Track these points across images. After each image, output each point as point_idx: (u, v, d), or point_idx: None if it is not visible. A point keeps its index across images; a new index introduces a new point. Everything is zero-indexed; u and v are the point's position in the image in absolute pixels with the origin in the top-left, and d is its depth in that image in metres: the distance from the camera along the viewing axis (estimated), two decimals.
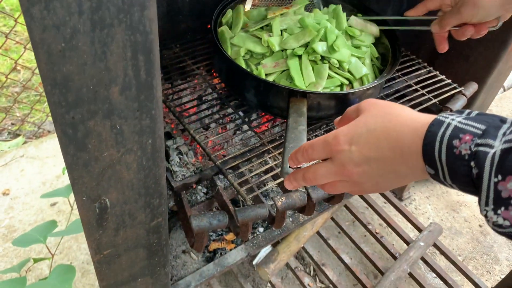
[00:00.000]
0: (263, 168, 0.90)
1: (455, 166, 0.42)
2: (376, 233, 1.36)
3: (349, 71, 0.94)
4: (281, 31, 0.97)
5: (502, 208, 0.38)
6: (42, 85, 0.44)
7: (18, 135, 1.71)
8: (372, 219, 1.48)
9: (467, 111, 0.45)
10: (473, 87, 1.18)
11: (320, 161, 0.55)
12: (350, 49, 0.95)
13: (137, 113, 0.53)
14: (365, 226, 1.38)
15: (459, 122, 0.43)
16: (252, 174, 0.88)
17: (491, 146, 0.39)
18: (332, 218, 1.38)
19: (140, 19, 0.45)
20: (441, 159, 0.42)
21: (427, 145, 0.43)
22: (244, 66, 0.96)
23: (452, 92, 1.13)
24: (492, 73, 1.20)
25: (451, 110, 1.10)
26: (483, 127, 0.41)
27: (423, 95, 1.09)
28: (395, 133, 0.47)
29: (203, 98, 1.07)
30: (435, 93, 1.10)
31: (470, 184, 0.41)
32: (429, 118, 0.45)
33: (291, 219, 1.06)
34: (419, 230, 1.38)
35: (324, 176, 0.53)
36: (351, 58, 0.94)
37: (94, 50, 0.44)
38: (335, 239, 1.41)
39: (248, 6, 1.07)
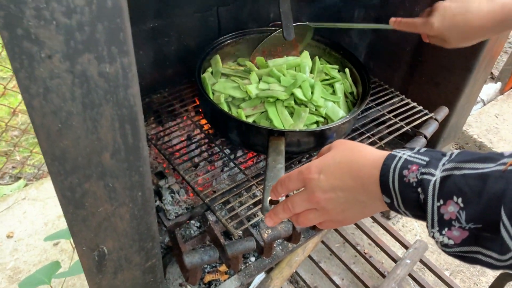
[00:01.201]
0: (252, 201, 0.97)
1: (405, 193, 0.49)
2: (365, 253, 1.42)
3: (326, 115, 1.02)
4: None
5: (446, 229, 0.44)
6: (43, 158, 0.51)
7: (19, 178, 1.78)
8: (361, 240, 1.54)
9: (418, 148, 0.53)
10: (444, 111, 1.26)
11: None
12: (325, 95, 1.03)
13: (127, 171, 0.60)
14: (354, 247, 1.44)
15: (409, 155, 0.50)
16: (242, 207, 0.95)
17: (432, 175, 0.46)
18: (323, 242, 1.45)
19: (125, 96, 0.52)
20: (394, 188, 0.50)
21: (383, 176, 0.51)
22: (226, 108, 1.04)
23: (424, 118, 1.21)
24: (461, 97, 1.28)
25: (424, 136, 1.18)
26: (427, 159, 0.49)
27: (396, 123, 1.17)
28: (356, 165, 0.55)
29: (192, 138, 1.15)
30: (408, 120, 1.18)
31: (420, 209, 0.48)
32: (385, 153, 0.53)
33: (280, 247, 1.13)
34: (406, 247, 1.44)
35: (298, 203, 0.59)
36: (327, 102, 1.02)
37: (86, 126, 0.51)
38: (327, 261, 1.47)
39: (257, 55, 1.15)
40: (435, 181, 0.46)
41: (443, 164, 0.47)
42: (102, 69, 0.48)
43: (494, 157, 0.44)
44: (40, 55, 0.43)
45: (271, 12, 1.37)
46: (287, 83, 1.02)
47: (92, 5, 0.43)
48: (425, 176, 0.47)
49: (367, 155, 0.55)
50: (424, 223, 0.48)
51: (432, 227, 0.46)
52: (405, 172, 0.49)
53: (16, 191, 1.67)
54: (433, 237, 0.46)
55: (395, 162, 0.50)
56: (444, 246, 0.45)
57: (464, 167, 0.44)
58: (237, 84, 1.04)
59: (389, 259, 1.45)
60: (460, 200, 0.43)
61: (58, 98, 0.47)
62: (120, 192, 0.61)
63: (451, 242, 0.44)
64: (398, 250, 1.51)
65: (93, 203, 0.59)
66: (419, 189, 0.47)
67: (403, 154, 0.51)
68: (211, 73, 1.13)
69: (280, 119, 0.98)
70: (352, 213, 0.57)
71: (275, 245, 1.10)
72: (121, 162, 0.58)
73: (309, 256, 1.39)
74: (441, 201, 0.44)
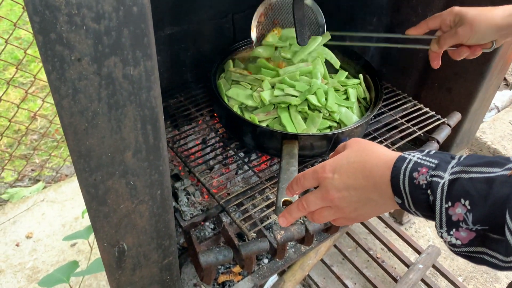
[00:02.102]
0: (265, 204, 0.99)
1: (416, 195, 0.50)
2: (378, 258, 1.43)
3: (340, 120, 1.04)
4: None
5: (454, 230, 0.46)
6: (70, 156, 0.54)
7: (38, 180, 1.83)
8: (374, 245, 1.55)
9: (427, 150, 0.55)
10: (456, 116, 1.27)
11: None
12: (339, 101, 1.05)
13: (147, 170, 0.63)
14: (367, 252, 1.45)
15: (419, 158, 0.52)
16: (256, 209, 0.97)
17: (441, 177, 0.48)
18: (335, 246, 1.46)
19: (147, 98, 0.55)
20: (405, 189, 0.51)
21: (394, 178, 0.52)
22: (239, 113, 1.07)
23: (437, 123, 1.22)
24: (474, 103, 1.29)
25: (437, 141, 1.19)
26: (436, 161, 0.50)
27: (409, 128, 1.18)
28: (369, 165, 0.56)
29: (207, 142, 1.17)
30: (420, 125, 1.20)
31: (429, 210, 0.50)
32: (397, 154, 0.55)
33: (293, 250, 1.14)
34: (419, 253, 1.44)
35: (313, 201, 0.61)
36: (341, 108, 1.04)
37: (110, 126, 0.54)
38: (339, 266, 1.48)
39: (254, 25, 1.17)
40: (444, 183, 0.47)
41: (452, 167, 0.48)
42: (126, 72, 0.51)
43: (501, 161, 0.46)
44: (71, 58, 0.46)
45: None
46: (302, 88, 1.04)
47: (119, 11, 0.46)
48: (434, 179, 0.48)
49: (380, 156, 0.56)
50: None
51: (441, 227, 0.47)
52: (415, 174, 0.50)
53: (35, 193, 1.71)
54: (441, 237, 0.48)
55: (405, 164, 0.52)
56: (452, 246, 0.47)
57: (472, 170, 0.46)
58: (250, 92, 1.07)
59: (401, 264, 1.45)
60: (467, 202, 0.45)
61: (85, 99, 0.50)
62: (140, 190, 0.64)
63: (459, 242, 0.46)
64: (411, 255, 1.51)
65: (115, 200, 0.62)
66: (429, 191, 0.49)
67: (413, 156, 0.52)
68: (225, 78, 1.15)
69: (293, 124, 1.00)
70: (365, 211, 0.59)
71: (288, 247, 1.11)
72: (142, 161, 0.61)
73: (322, 260, 1.40)
74: (449, 203, 0.46)
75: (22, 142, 1.91)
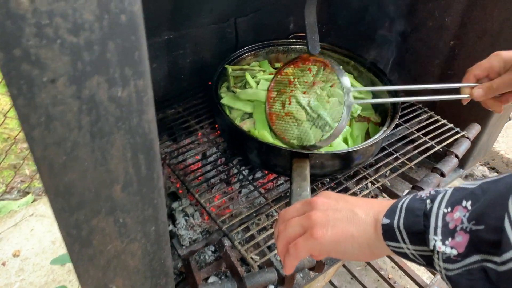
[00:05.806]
0: (273, 230, 0.90)
1: (408, 217, 0.43)
2: (389, 278, 1.34)
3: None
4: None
5: (450, 239, 0.38)
6: (46, 194, 0.45)
7: (28, 193, 1.73)
8: (384, 263, 1.46)
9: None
10: (475, 128, 1.18)
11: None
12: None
13: (139, 205, 0.53)
14: (377, 271, 1.36)
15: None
16: (262, 236, 0.87)
17: (443, 192, 0.42)
18: (344, 265, 1.37)
19: (139, 123, 0.46)
20: (400, 210, 0.44)
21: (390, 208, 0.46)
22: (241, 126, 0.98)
23: (456, 136, 1.13)
24: (493, 114, 1.20)
25: (456, 156, 1.09)
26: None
27: (426, 142, 1.09)
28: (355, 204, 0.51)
29: (208, 157, 1.08)
30: (438, 139, 1.11)
31: (423, 242, 0.41)
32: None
33: (301, 275, 1.05)
34: (433, 273, 1.35)
35: (295, 223, 0.53)
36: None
37: (94, 157, 0.45)
38: (348, 286, 1.39)
39: None
40: (445, 193, 0.41)
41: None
42: (113, 94, 0.42)
43: None
44: (42, 79, 0.37)
45: (291, 23, 1.31)
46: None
47: (103, 20, 0.37)
48: (433, 193, 0.43)
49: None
50: None
51: (435, 233, 0.39)
52: (412, 203, 0.44)
53: (24, 206, 1.61)
54: (433, 248, 0.39)
55: (401, 202, 0.46)
56: (446, 262, 0.38)
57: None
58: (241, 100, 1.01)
59: (414, 285, 1.36)
60: (469, 203, 0.38)
61: (62, 128, 0.41)
62: (131, 228, 0.55)
63: (454, 252, 0.38)
64: (424, 275, 1.42)
65: (101, 240, 0.53)
66: (428, 201, 0.42)
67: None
68: (227, 88, 1.06)
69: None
70: (343, 229, 0.49)
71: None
72: (133, 195, 0.52)
73: (330, 281, 1.31)
74: (449, 208, 0.39)
75: (12, 151, 1.81)
